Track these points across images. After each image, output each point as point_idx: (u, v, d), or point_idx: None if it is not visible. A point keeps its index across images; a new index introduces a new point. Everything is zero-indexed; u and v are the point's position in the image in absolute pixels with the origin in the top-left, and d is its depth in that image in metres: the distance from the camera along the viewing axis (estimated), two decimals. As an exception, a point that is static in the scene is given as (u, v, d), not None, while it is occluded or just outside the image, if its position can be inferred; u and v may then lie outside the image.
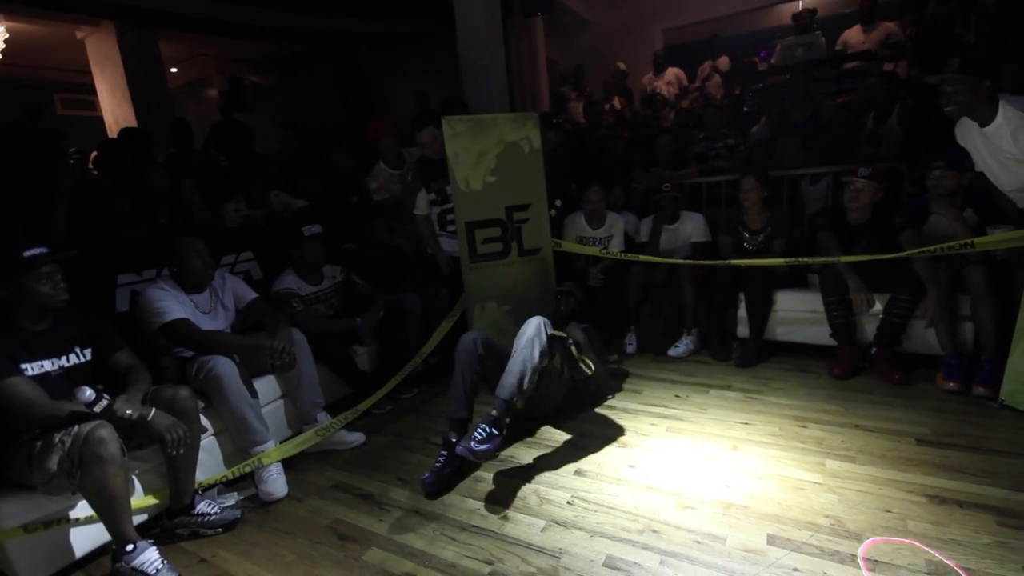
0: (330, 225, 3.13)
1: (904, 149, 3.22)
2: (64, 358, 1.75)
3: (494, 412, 1.93)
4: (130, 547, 1.59)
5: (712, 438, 2.17)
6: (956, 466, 1.83)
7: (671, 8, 7.42)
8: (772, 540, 1.56)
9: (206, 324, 2.17)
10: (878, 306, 2.55)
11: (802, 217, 3.50)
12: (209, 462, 2.05)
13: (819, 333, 2.79)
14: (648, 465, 2.02)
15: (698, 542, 1.58)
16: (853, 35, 5.22)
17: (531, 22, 6.60)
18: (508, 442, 2.29)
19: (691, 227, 3.31)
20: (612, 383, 2.66)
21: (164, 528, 1.86)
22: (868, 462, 1.90)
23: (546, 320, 2.09)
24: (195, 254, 2.19)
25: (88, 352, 1.82)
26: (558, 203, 3.32)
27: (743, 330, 3.01)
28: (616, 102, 6.30)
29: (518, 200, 3.01)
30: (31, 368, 1.65)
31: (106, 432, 1.54)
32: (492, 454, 1.89)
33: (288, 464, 2.19)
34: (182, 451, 1.74)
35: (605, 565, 1.53)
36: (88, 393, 1.57)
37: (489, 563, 1.59)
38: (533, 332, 2.04)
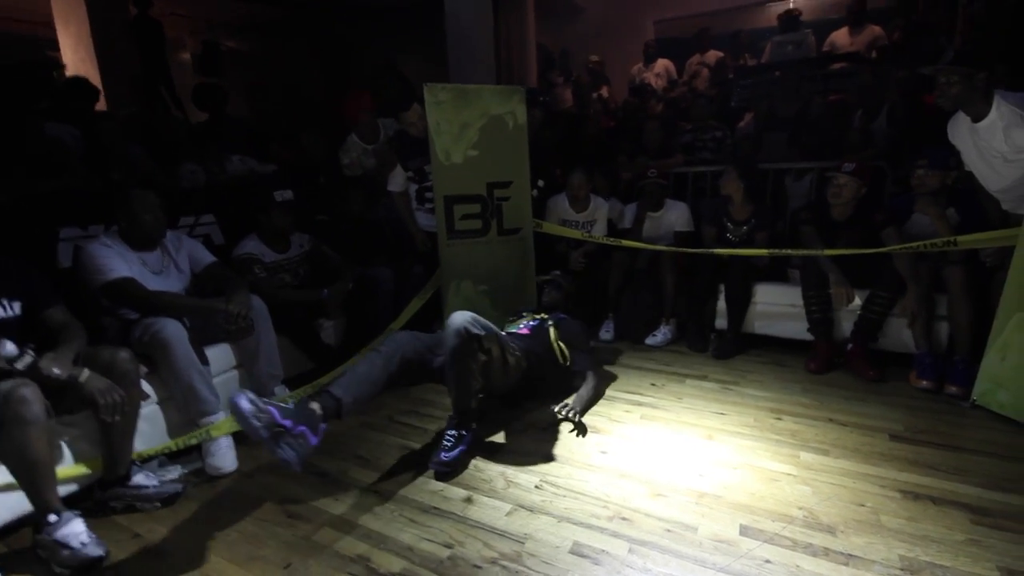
0: (301, 193, 2.97)
1: (892, 148, 3.21)
2: (-13, 309, 1.58)
3: (454, 418, 1.93)
4: (53, 517, 1.44)
5: (687, 427, 2.11)
6: (929, 463, 1.81)
7: (661, 1, 7.36)
8: (745, 531, 1.50)
9: (155, 285, 2.00)
10: (857, 301, 2.53)
11: (785, 213, 3.48)
12: (151, 432, 1.90)
13: (797, 328, 2.77)
14: (621, 452, 1.95)
15: (669, 531, 1.52)
16: (840, 37, 5.23)
17: (521, 3, 6.43)
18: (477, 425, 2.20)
19: (675, 216, 3.26)
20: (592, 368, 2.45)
21: (96, 501, 1.70)
22: (842, 456, 1.87)
23: (469, 320, 1.81)
24: (146, 208, 2.01)
25: (17, 306, 1.65)
26: (540, 183, 3.23)
27: (721, 322, 2.98)
28: (604, 91, 6.23)
29: (500, 176, 2.90)
30: (-53, 318, 1.48)
31: (29, 391, 1.38)
32: (465, 454, 1.90)
33: (240, 438, 2.04)
34: (117, 418, 1.59)
35: (571, 552, 1.45)
36: (9, 348, 1.42)
37: (448, 546, 1.49)
38: (453, 342, 1.79)
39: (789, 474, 1.77)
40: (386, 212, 3.22)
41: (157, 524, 1.65)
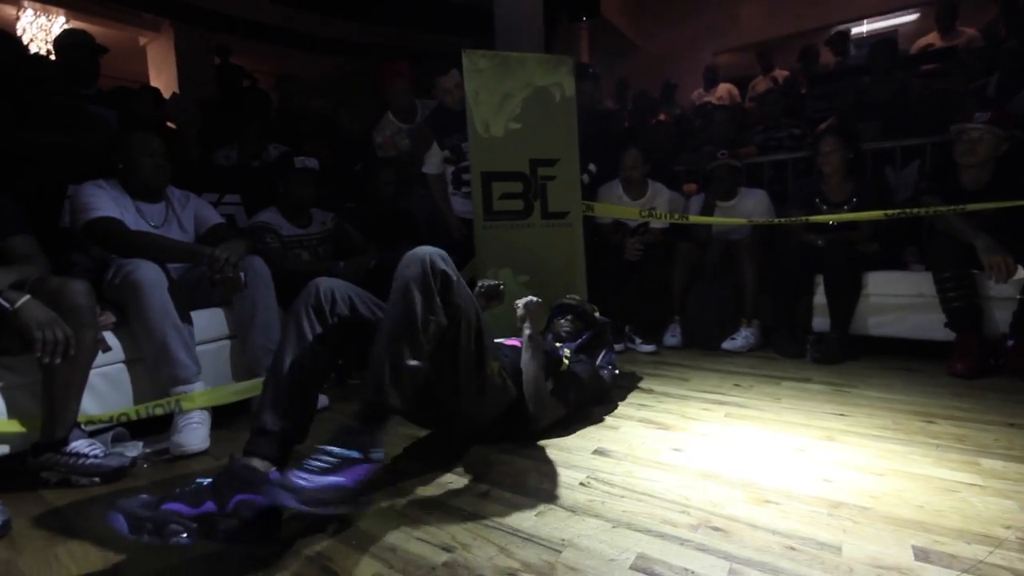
0: (335, 191, 2.79)
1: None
2: (-63, 224, 1.36)
3: (357, 418, 1.08)
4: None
5: (793, 427, 1.54)
6: None
7: (722, 32, 7.18)
8: (923, 555, 0.92)
9: (150, 236, 1.76)
10: (1021, 273, 1.90)
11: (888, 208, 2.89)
12: (113, 396, 1.58)
13: (927, 324, 2.14)
14: (701, 450, 1.41)
15: (792, 549, 0.96)
16: (929, 42, 4.74)
17: (575, 36, 6.45)
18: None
19: (751, 204, 2.77)
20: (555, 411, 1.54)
21: (28, 469, 1.36)
22: (1051, 465, 1.23)
23: (440, 254, 1.16)
24: (147, 152, 1.81)
25: (-25, 228, 1.43)
26: (592, 167, 2.87)
27: (820, 321, 2.38)
28: (662, 116, 5.95)
29: (545, 154, 2.57)
30: None
31: (-67, 297, 1.10)
32: (343, 495, 0.97)
33: (220, 421, 1.70)
34: (58, 360, 1.28)
35: (635, 568, 0.93)
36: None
37: (448, 549, 1.01)
38: (416, 272, 1.11)
39: (972, 484, 1.16)
40: (419, 202, 2.95)
41: (85, 501, 1.28)
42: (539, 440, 1.50)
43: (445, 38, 6.86)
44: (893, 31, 6.31)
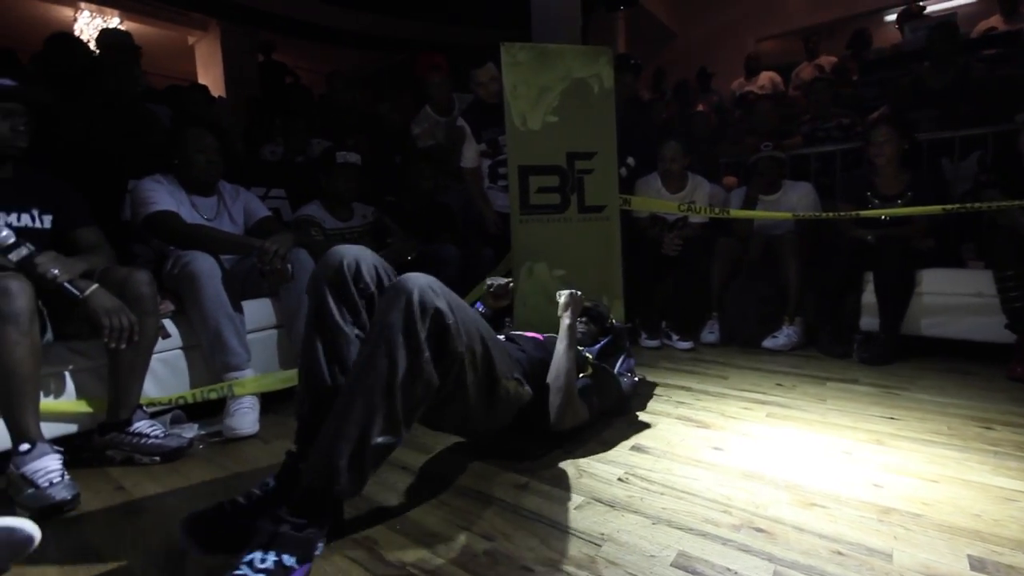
0: (375, 184, 2.84)
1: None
2: (15, 216, 1.45)
3: (291, 519, 0.85)
4: (25, 447, 1.21)
5: (840, 429, 1.49)
6: None
7: (764, 18, 6.92)
8: (980, 565, 0.89)
9: (204, 229, 1.85)
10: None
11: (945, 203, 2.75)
12: (171, 379, 1.67)
13: (985, 325, 2.03)
14: (742, 449, 1.39)
15: (840, 554, 0.94)
16: (991, 26, 4.45)
17: (612, 25, 6.34)
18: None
19: (796, 198, 2.68)
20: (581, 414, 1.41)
21: (94, 448, 1.46)
22: (1125, 478, 1.16)
23: (432, 284, 0.96)
24: (200, 148, 1.89)
25: (47, 219, 1.53)
26: (630, 160, 2.83)
27: (868, 321, 2.29)
28: (701, 107, 5.80)
29: (582, 147, 2.54)
30: (-29, 214, 1.36)
31: (14, 284, 1.18)
32: None
33: (269, 407, 1.77)
34: (124, 345, 1.36)
35: (676, 565, 0.93)
36: (5, 234, 1.24)
37: (489, 538, 1.03)
38: (397, 317, 0.91)
39: (1035, 495, 1.11)
40: (456, 196, 2.98)
41: (146, 479, 1.36)
42: (575, 435, 1.50)
43: (481, 30, 6.87)
44: (952, 13, 5.95)
